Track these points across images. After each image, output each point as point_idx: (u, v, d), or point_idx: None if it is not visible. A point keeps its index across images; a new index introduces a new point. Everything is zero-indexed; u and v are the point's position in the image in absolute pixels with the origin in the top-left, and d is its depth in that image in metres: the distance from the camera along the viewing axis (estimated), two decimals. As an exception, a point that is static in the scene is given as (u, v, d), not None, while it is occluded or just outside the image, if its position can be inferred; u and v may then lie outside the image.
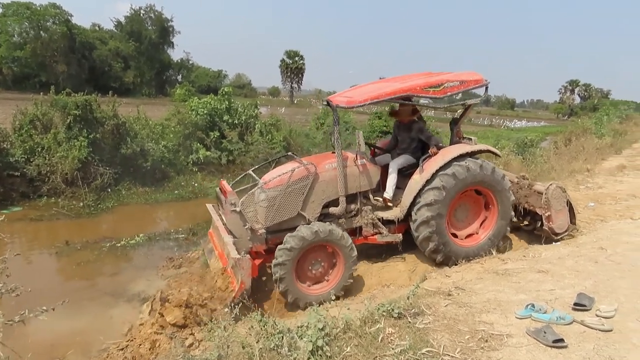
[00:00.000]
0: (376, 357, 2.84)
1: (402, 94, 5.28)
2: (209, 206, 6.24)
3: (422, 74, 6.10)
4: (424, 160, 5.56)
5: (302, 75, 61.71)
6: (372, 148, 6.57)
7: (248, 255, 4.76)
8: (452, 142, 6.09)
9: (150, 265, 7.07)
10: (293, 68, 60.57)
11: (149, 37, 48.97)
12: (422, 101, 6.07)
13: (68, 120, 10.88)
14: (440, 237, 5.42)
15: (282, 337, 2.89)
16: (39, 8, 39.59)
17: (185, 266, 6.72)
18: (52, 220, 9.30)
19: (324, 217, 5.45)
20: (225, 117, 14.17)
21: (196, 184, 12.42)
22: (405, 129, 6.11)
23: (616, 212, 7.20)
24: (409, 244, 6.09)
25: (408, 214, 5.58)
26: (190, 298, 4.80)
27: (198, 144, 13.53)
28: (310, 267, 5.15)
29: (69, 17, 41.25)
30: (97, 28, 49.96)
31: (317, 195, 5.37)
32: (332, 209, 5.46)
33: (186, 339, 4.46)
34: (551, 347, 2.94)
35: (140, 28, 49.03)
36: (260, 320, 3.02)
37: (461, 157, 5.50)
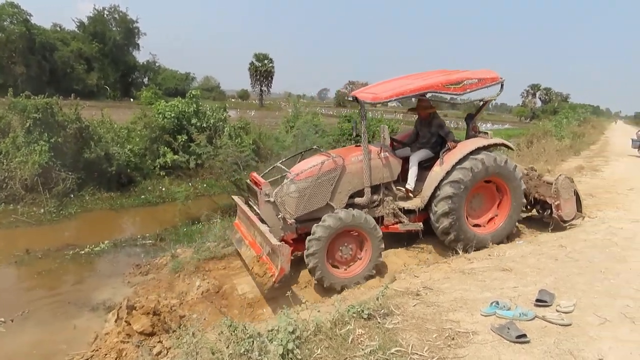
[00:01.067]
0: (346, 358, 2.86)
1: (425, 91, 5.61)
2: (236, 198, 6.48)
3: (438, 71, 6.35)
4: (444, 152, 5.82)
5: (272, 79, 61.43)
6: (392, 142, 6.75)
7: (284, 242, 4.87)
8: (468, 136, 6.37)
9: (116, 273, 6.89)
10: (262, 71, 60.19)
11: (113, 39, 47.62)
12: (443, 97, 6.37)
13: (27, 124, 10.51)
14: (459, 227, 5.69)
15: (253, 341, 2.86)
16: (-5, 7, 37.99)
17: (152, 273, 6.58)
18: (11, 228, 8.95)
19: (349, 207, 5.63)
20: (194, 121, 13.92)
21: (163, 189, 12.18)
22: (426, 124, 6.40)
23: (575, 211, 7.48)
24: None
25: (428, 204, 5.82)
26: (159, 305, 4.71)
27: (165, 148, 13.26)
28: (340, 252, 5.44)
29: (28, 17, 39.62)
30: (58, 28, 48.04)
31: (344, 186, 5.64)
32: (357, 199, 5.74)
33: (154, 347, 4.37)
34: (515, 342, 3.03)
35: (104, 29, 47.62)
36: (230, 325, 2.99)
37: (478, 150, 5.79)
